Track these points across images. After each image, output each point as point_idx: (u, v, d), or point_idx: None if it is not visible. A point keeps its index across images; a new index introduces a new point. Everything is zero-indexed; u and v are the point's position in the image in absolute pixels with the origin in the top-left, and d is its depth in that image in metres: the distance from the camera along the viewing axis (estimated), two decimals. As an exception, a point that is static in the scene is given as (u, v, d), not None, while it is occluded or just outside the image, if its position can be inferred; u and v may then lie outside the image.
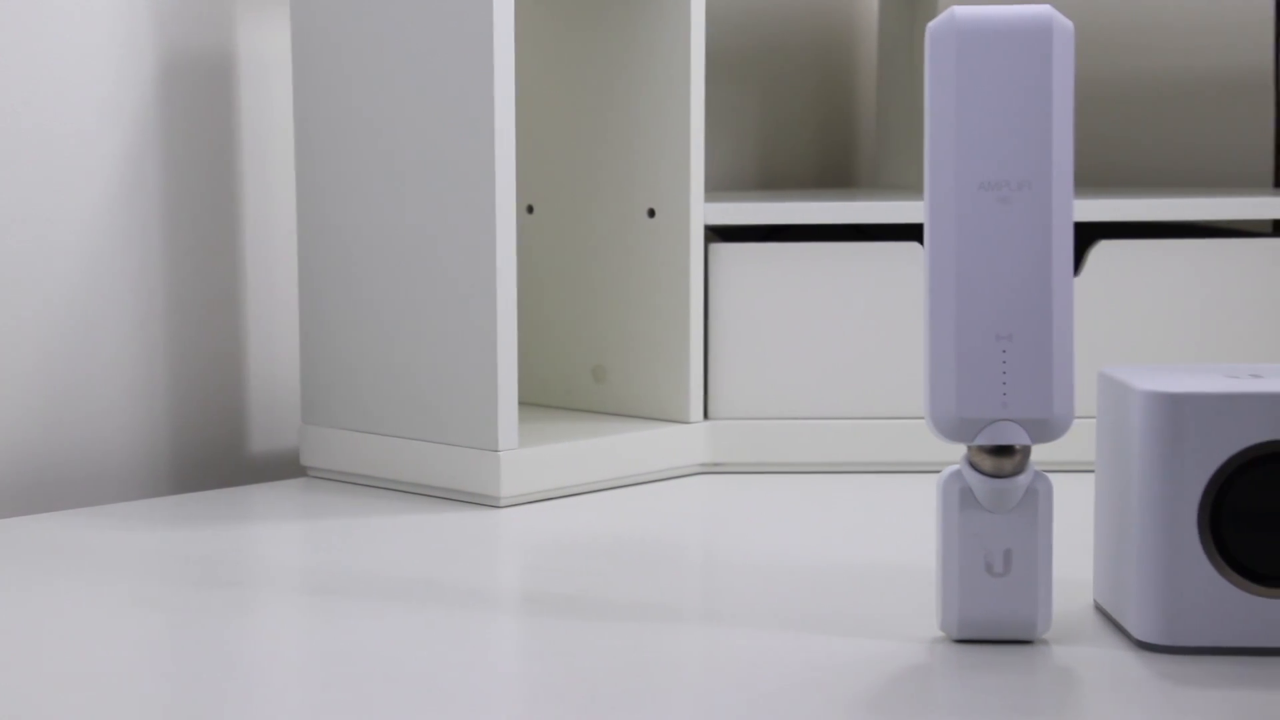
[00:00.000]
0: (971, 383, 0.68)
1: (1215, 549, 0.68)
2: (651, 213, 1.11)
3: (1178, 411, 0.68)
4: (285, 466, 1.14)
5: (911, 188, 1.35)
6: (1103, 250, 1.11)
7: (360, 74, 1.03)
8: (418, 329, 1.02)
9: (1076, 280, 1.11)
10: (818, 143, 1.49)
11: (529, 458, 1.00)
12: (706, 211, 1.10)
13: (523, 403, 1.18)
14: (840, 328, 1.11)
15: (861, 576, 0.83)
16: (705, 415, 1.12)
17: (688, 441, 1.10)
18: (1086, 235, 1.13)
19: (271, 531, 0.94)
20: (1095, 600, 0.76)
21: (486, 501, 1.00)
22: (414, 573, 0.84)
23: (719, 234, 1.20)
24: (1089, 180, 1.45)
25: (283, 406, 1.15)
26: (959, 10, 0.69)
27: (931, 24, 0.69)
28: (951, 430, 0.69)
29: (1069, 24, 0.69)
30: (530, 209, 1.17)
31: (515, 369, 0.99)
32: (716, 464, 1.11)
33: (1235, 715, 0.63)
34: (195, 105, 1.10)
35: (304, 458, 1.08)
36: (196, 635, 0.74)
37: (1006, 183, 0.68)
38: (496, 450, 0.99)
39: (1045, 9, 0.69)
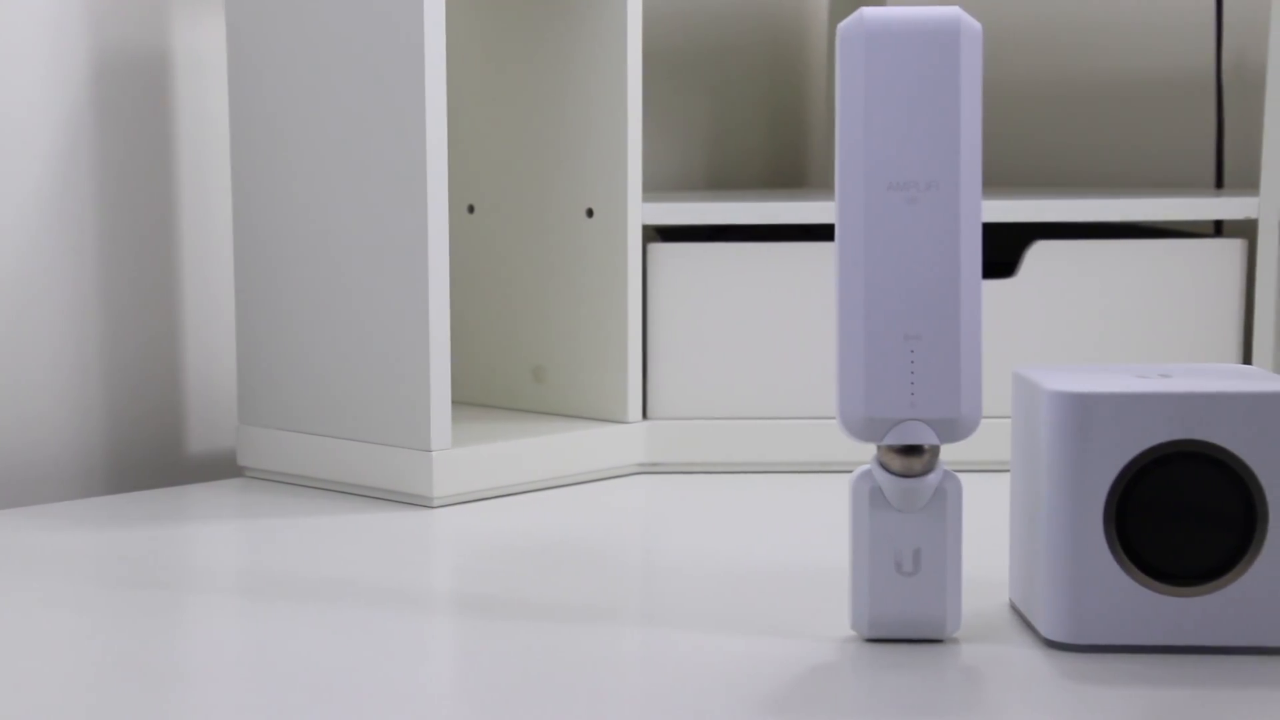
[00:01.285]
0: (880, 383, 0.68)
1: (1121, 548, 0.69)
2: (590, 213, 1.11)
3: (1083, 411, 0.68)
4: (223, 466, 1.14)
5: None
6: (1040, 250, 1.12)
7: (294, 73, 1.03)
8: (352, 329, 1.02)
9: (1014, 280, 1.12)
10: (767, 143, 1.49)
11: (463, 458, 1.00)
12: (645, 211, 1.10)
13: (463, 403, 1.19)
14: (779, 328, 1.11)
15: (788, 576, 0.83)
16: (644, 415, 1.12)
17: (625, 441, 1.10)
18: (1024, 235, 1.13)
19: (204, 532, 0.94)
20: (1010, 599, 0.77)
21: (420, 502, 1.00)
22: (346, 574, 0.84)
23: (663, 234, 1.20)
24: (1031, 180, 1.45)
25: (221, 406, 1.15)
26: (868, 11, 0.69)
27: (841, 25, 0.69)
28: (860, 430, 0.69)
29: (977, 25, 0.69)
30: (471, 209, 1.17)
31: (448, 369, 0.99)
32: (655, 464, 1.11)
33: (1138, 713, 0.63)
34: (130, 104, 1.10)
35: (241, 458, 1.08)
36: (115, 636, 0.73)
37: (914, 183, 0.69)
38: (429, 450, 0.99)
39: (953, 11, 0.69)
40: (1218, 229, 1.25)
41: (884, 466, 0.70)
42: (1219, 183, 1.32)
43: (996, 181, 1.48)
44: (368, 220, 1.01)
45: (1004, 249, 1.15)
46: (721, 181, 1.46)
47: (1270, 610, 0.68)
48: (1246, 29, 1.32)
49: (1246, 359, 1.12)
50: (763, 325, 1.11)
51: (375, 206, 1.00)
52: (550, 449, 1.06)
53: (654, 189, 1.39)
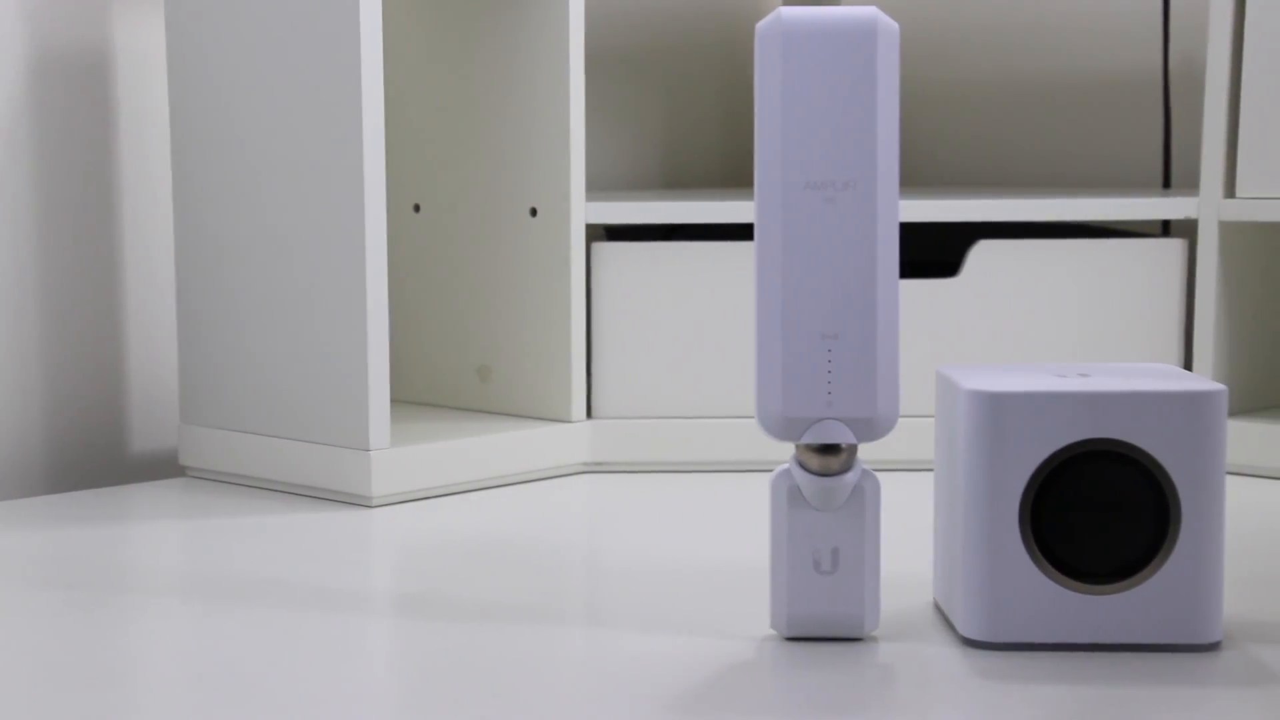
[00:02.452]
0: (797, 382, 0.69)
1: (1036, 546, 0.69)
2: (534, 212, 1.11)
3: (997, 410, 0.68)
4: (165, 466, 1.14)
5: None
6: (983, 250, 1.12)
7: (235, 71, 1.03)
8: (292, 329, 1.02)
9: (957, 280, 1.12)
10: (721, 142, 1.49)
11: (402, 457, 1.01)
12: (588, 210, 1.10)
13: (410, 402, 1.19)
14: (724, 327, 1.11)
15: (722, 575, 0.83)
16: (589, 414, 1.12)
17: (570, 441, 1.10)
18: (968, 235, 1.14)
19: (144, 532, 0.94)
20: (934, 598, 0.77)
21: (359, 501, 1.00)
22: (283, 574, 0.84)
23: (613, 233, 1.20)
24: (981, 180, 1.46)
25: (163, 405, 1.15)
26: (785, 11, 0.69)
27: (759, 24, 0.70)
28: (777, 429, 0.69)
29: (894, 25, 0.69)
30: (417, 208, 1.17)
31: (386, 369, 0.99)
32: (599, 463, 1.11)
33: (1050, 711, 0.63)
34: (70, 102, 1.10)
35: (182, 457, 1.08)
36: (52, 637, 0.73)
37: (832, 183, 0.69)
38: (367, 450, 0.99)
39: (870, 11, 0.69)
40: (1165, 229, 1.25)
41: (802, 465, 0.70)
42: (1166, 183, 1.32)
43: (943, 181, 1.48)
44: (307, 219, 1.01)
45: (948, 249, 1.16)
46: (676, 181, 1.46)
47: (1181, 608, 0.68)
48: (1194, 29, 1.32)
49: (1187, 358, 1.13)
50: (708, 325, 1.11)
51: (314, 205, 1.00)
52: (493, 448, 1.06)
53: (607, 188, 1.39)
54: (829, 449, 0.69)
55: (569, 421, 1.10)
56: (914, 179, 1.50)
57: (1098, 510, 0.69)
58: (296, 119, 1.00)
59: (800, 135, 0.69)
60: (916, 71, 1.49)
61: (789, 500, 0.70)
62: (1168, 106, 1.31)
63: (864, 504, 0.70)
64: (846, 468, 0.70)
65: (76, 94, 1.10)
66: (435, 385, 1.18)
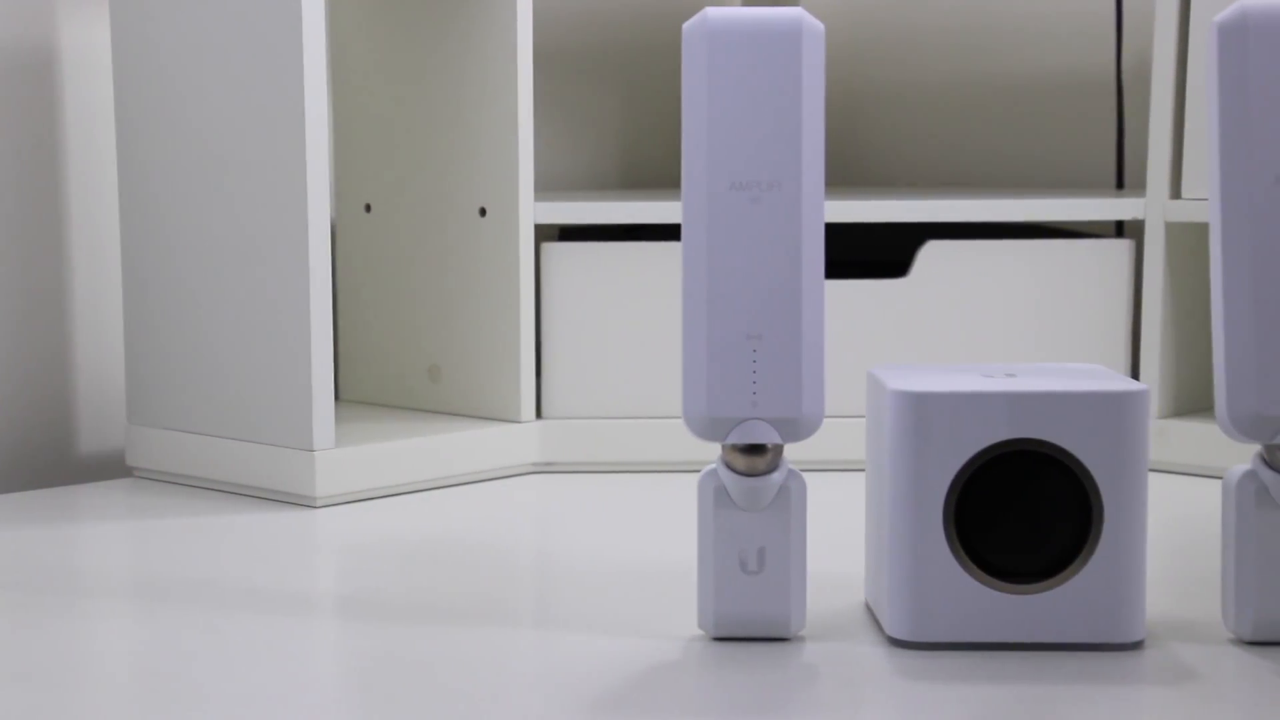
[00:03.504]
0: (722, 382, 0.69)
1: (960, 546, 0.69)
2: (483, 212, 1.11)
3: (922, 410, 0.68)
4: (112, 467, 1.13)
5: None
6: (932, 250, 1.12)
7: (179, 72, 1.03)
8: (237, 329, 1.02)
9: (906, 280, 1.12)
10: (680, 143, 1.49)
11: (348, 457, 1.00)
12: (537, 210, 1.10)
13: (361, 402, 1.18)
14: (673, 327, 1.11)
15: (662, 574, 0.83)
16: (538, 415, 1.12)
17: (519, 441, 1.10)
18: (918, 235, 1.14)
19: (90, 533, 0.94)
20: (866, 598, 0.77)
21: (303, 502, 1.00)
22: (227, 575, 0.84)
23: (567, 234, 1.20)
24: (935, 181, 1.46)
25: (110, 406, 1.14)
26: (711, 11, 0.69)
27: (685, 24, 0.70)
28: (703, 429, 0.69)
29: (819, 26, 0.69)
30: (368, 208, 1.17)
31: (330, 369, 0.99)
32: (548, 463, 1.11)
33: (971, 710, 0.63)
34: (14, 101, 1.10)
35: (130, 458, 1.08)
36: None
37: (757, 183, 0.69)
38: (311, 450, 0.99)
39: (796, 11, 0.69)
40: (1120, 230, 1.26)
41: (728, 465, 0.70)
42: (1120, 184, 1.33)
43: (898, 181, 1.49)
44: (252, 219, 1.01)
45: (897, 249, 1.16)
46: (635, 181, 1.46)
47: (1104, 607, 0.69)
48: (1147, 31, 1.32)
49: (1135, 358, 1.13)
50: (658, 325, 1.11)
51: (259, 205, 1.00)
52: (441, 448, 1.06)
53: (566, 188, 1.39)
54: (754, 449, 0.69)
55: (518, 421, 1.10)
56: (867, 179, 1.50)
57: (1021, 510, 0.69)
58: (241, 118, 1.00)
59: (725, 136, 0.69)
60: (871, 72, 1.49)
61: (715, 500, 0.70)
62: (1120, 108, 1.31)
63: (790, 504, 0.70)
64: (772, 468, 0.70)
65: (22, 93, 1.10)
66: (386, 385, 1.18)
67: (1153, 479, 1.08)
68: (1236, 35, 0.67)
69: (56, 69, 1.12)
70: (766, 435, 0.69)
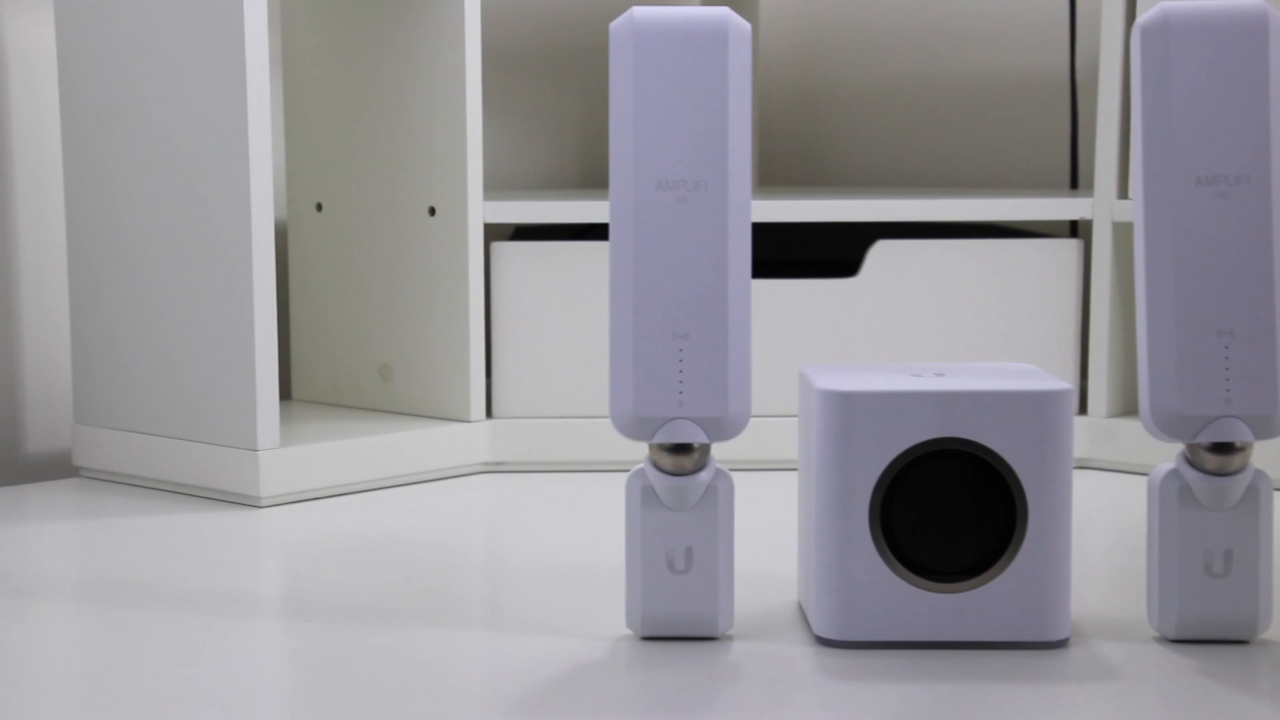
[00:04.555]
0: (648, 381, 0.69)
1: (886, 545, 0.69)
2: (432, 211, 1.11)
3: (848, 409, 0.68)
4: (60, 467, 1.13)
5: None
6: (882, 250, 1.12)
7: (124, 72, 1.03)
8: (183, 329, 1.02)
9: (857, 279, 1.12)
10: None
11: (294, 457, 1.00)
12: (487, 210, 1.10)
13: (314, 402, 1.18)
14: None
15: (602, 574, 0.83)
16: (488, 414, 1.12)
17: (468, 440, 1.10)
18: (869, 235, 1.14)
19: (35, 533, 0.94)
20: (798, 598, 0.77)
21: (248, 502, 0.99)
22: (168, 575, 0.84)
23: (524, 233, 1.20)
24: (890, 181, 1.46)
25: (57, 406, 1.14)
26: (638, 10, 0.69)
27: (612, 24, 0.70)
28: (629, 429, 0.69)
29: (746, 26, 0.69)
30: (319, 207, 1.17)
31: (275, 368, 0.99)
32: (499, 463, 1.11)
33: (897, 709, 0.63)
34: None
35: (76, 458, 1.07)
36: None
37: (683, 182, 0.69)
38: (255, 450, 0.99)
39: (722, 11, 0.69)
40: (1073, 230, 1.26)
41: (655, 465, 0.70)
42: (1074, 184, 1.33)
43: (853, 181, 1.49)
44: (197, 219, 1.00)
45: (848, 248, 1.16)
46: (595, 180, 1.46)
47: (1029, 606, 0.69)
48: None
49: (1084, 357, 1.13)
50: (607, 325, 1.11)
51: (204, 206, 1.00)
52: (389, 448, 1.06)
53: (526, 187, 1.39)
54: (681, 448, 0.69)
55: (468, 421, 1.10)
56: (823, 179, 1.50)
57: (946, 509, 0.69)
58: (186, 118, 1.00)
59: (652, 135, 0.69)
60: (827, 72, 1.49)
61: (642, 500, 0.70)
62: (1074, 109, 1.32)
63: (717, 503, 0.70)
64: (699, 467, 0.70)
65: (-31, 93, 1.10)
66: (338, 385, 1.17)
67: (1098, 477, 1.09)
68: (1158, 37, 0.67)
69: (1, 69, 1.12)
70: (693, 435, 0.69)
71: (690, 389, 0.69)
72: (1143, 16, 0.68)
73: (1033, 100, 1.38)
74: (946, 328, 1.12)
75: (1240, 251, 0.66)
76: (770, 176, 1.51)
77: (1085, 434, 1.11)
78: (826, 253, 1.19)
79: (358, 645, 0.72)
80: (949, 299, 1.12)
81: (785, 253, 1.25)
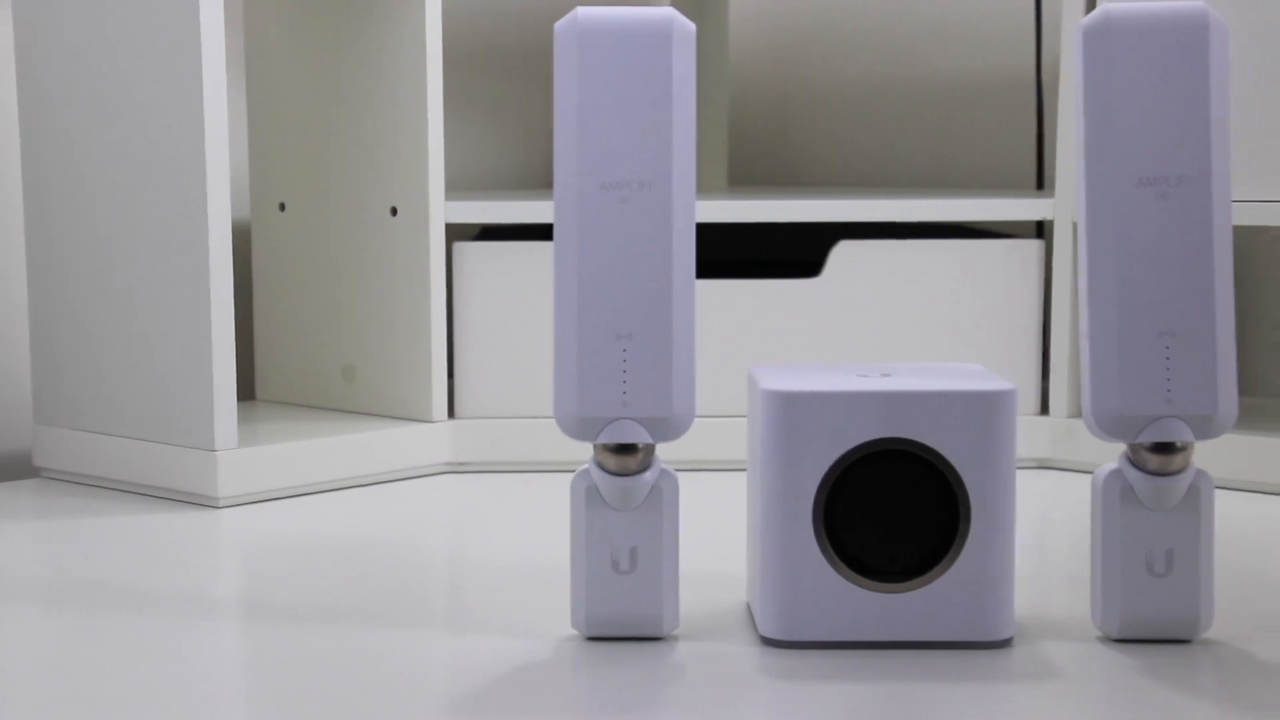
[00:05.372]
0: (592, 382, 0.69)
1: (830, 545, 0.69)
2: (394, 211, 1.11)
3: (792, 410, 0.69)
4: (20, 467, 1.13)
5: (704, 187, 1.36)
6: (844, 250, 1.12)
7: (83, 72, 1.03)
8: (142, 329, 1.02)
9: (819, 280, 1.12)
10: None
11: (253, 457, 1.00)
12: (449, 210, 1.10)
13: (278, 402, 1.18)
14: (585, 327, 1.11)
15: (557, 573, 0.83)
16: (450, 414, 1.12)
17: (431, 441, 1.10)
18: (831, 235, 1.14)
19: (-19, 532, 0.94)
20: (747, 598, 0.77)
21: (206, 502, 0.99)
22: (125, 576, 0.84)
23: (490, 233, 1.20)
24: (855, 181, 1.46)
25: (16, 406, 1.14)
26: (582, 10, 0.69)
27: (557, 23, 0.70)
28: (573, 429, 0.69)
29: (690, 26, 0.69)
30: (282, 207, 1.17)
31: (233, 368, 0.99)
32: (461, 463, 1.11)
33: (840, 709, 0.63)
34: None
35: (36, 458, 1.07)
36: None
37: (627, 183, 0.69)
38: (213, 450, 0.98)
39: (666, 11, 0.69)
40: (1039, 230, 1.26)
41: (600, 465, 0.70)
42: (1040, 184, 1.33)
43: (818, 182, 1.49)
44: (155, 219, 1.00)
45: (810, 248, 1.16)
46: (563, 181, 1.46)
47: (973, 606, 0.69)
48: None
49: (1045, 357, 1.13)
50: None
51: (162, 205, 1.00)
52: (350, 449, 1.06)
53: (494, 188, 1.39)
54: (625, 449, 0.69)
55: (430, 421, 1.10)
56: (793, 179, 1.50)
57: (890, 509, 0.69)
58: (143, 118, 1.00)
59: (596, 135, 0.69)
60: (792, 73, 1.49)
61: (587, 500, 0.70)
62: (1040, 109, 1.32)
63: (662, 503, 0.70)
64: (644, 467, 0.70)
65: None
66: (303, 385, 1.17)
67: (1059, 478, 1.09)
68: (1100, 38, 0.67)
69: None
70: (637, 435, 0.69)
71: (634, 389, 0.69)
72: (1085, 19, 0.68)
73: (1002, 101, 1.38)
74: (908, 328, 1.12)
75: (1181, 252, 0.67)
76: (740, 177, 1.51)
77: (1046, 434, 1.11)
78: (791, 253, 1.19)
79: (305, 646, 0.72)
80: (911, 299, 1.12)
81: (750, 253, 1.25)
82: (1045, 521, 0.99)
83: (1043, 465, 1.11)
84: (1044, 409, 1.13)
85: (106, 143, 1.02)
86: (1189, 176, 0.66)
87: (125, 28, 1.00)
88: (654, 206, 0.69)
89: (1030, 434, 1.11)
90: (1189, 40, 0.66)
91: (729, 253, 1.25)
